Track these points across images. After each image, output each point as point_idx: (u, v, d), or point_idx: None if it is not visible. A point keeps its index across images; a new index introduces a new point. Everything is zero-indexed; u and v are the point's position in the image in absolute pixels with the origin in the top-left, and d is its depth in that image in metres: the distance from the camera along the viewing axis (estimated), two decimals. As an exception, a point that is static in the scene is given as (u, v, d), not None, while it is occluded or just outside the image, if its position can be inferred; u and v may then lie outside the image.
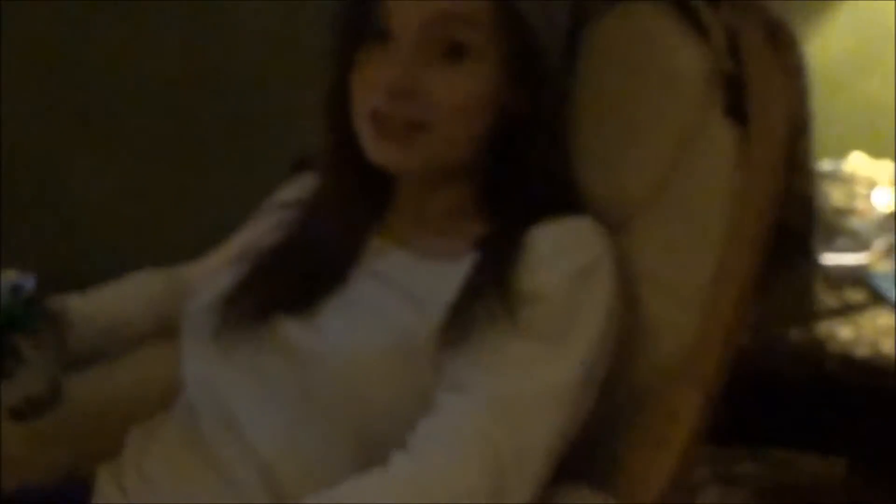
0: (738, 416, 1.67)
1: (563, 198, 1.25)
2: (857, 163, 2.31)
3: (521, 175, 1.24)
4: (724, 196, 1.22)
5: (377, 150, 1.22)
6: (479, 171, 1.27)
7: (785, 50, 1.23)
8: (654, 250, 1.25)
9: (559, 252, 1.17)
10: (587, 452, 1.22)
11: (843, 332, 2.15)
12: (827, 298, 2.16)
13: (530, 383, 1.11)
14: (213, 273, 1.38)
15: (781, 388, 2.14)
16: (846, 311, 2.17)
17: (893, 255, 2.14)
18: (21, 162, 2.48)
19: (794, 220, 1.21)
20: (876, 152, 2.33)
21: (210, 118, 2.48)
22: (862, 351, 2.11)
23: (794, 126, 1.21)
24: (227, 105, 2.47)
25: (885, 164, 2.30)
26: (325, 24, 1.29)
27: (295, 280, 1.27)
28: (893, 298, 2.14)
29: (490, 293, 1.14)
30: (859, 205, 2.15)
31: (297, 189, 1.41)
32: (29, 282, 1.20)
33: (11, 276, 1.21)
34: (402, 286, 1.21)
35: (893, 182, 2.22)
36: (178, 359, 1.34)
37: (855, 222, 2.16)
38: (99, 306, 1.42)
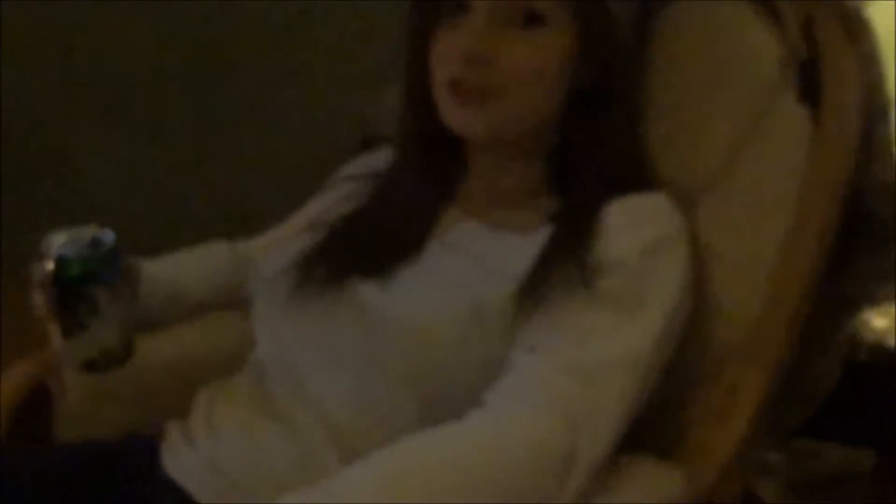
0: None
1: (636, 176, 1.27)
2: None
3: (593, 151, 1.26)
4: (793, 178, 1.24)
5: (454, 116, 1.24)
6: (551, 145, 1.29)
7: (859, 37, 1.24)
8: (721, 229, 1.26)
9: (635, 224, 1.19)
10: (652, 424, 1.24)
11: (876, 322, 2.16)
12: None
13: (604, 349, 1.12)
14: (286, 241, 1.39)
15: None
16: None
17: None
18: (29, 137, 2.48)
19: (875, 206, 1.22)
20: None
21: (223, 93, 2.48)
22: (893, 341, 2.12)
23: (868, 112, 1.22)
24: (240, 79, 2.47)
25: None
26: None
27: (370, 246, 1.29)
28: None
29: (566, 263, 1.16)
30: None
31: (365, 164, 1.43)
32: (108, 235, 1.21)
33: (92, 230, 1.23)
34: (475, 256, 1.23)
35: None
36: (245, 326, 1.37)
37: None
38: (163, 273, 1.44)
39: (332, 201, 1.39)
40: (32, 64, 2.46)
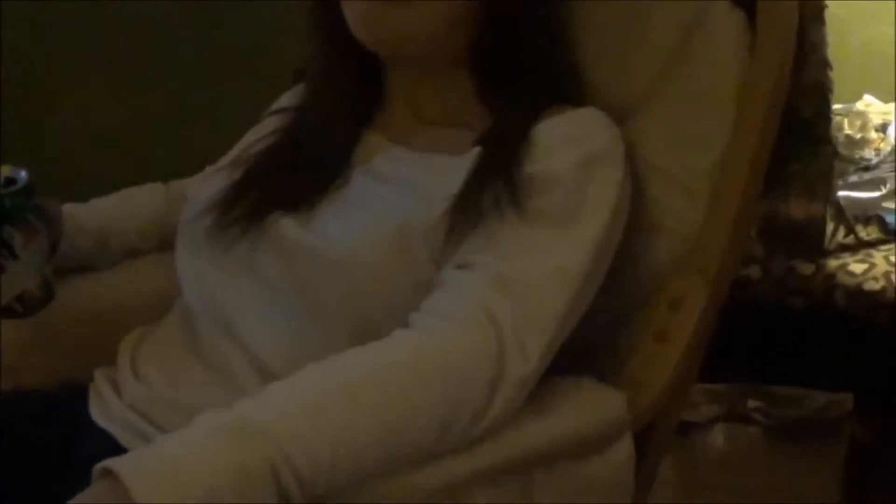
0: (746, 352, 1.64)
1: (566, 90, 1.21)
2: (870, 103, 2.27)
3: (517, 64, 1.20)
4: (729, 85, 1.18)
5: (360, 22, 1.17)
6: (472, 59, 1.22)
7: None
8: (659, 142, 1.21)
9: (567, 140, 1.13)
10: (592, 347, 1.20)
11: (855, 267, 2.12)
12: (839, 234, 2.12)
13: (535, 264, 1.07)
14: (207, 180, 1.34)
15: (789, 323, 2.11)
16: (858, 246, 2.14)
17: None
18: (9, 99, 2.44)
19: (806, 108, 1.17)
20: (886, 97, 2.30)
21: (205, 52, 2.43)
22: (872, 285, 2.08)
23: (804, 13, 1.16)
24: (221, 38, 2.42)
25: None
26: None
27: (290, 179, 1.23)
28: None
29: (496, 183, 1.10)
30: (872, 136, 2.11)
31: (294, 97, 1.37)
32: (22, 174, 1.16)
33: (5, 169, 1.17)
34: (402, 181, 1.17)
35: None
36: (175, 270, 1.31)
37: (868, 153, 2.13)
38: (93, 216, 1.40)
39: (255, 136, 1.33)
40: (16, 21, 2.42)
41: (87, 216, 1.37)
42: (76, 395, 1.26)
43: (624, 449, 1.11)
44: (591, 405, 1.11)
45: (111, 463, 0.86)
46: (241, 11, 2.43)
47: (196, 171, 1.48)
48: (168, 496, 0.83)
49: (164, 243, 1.42)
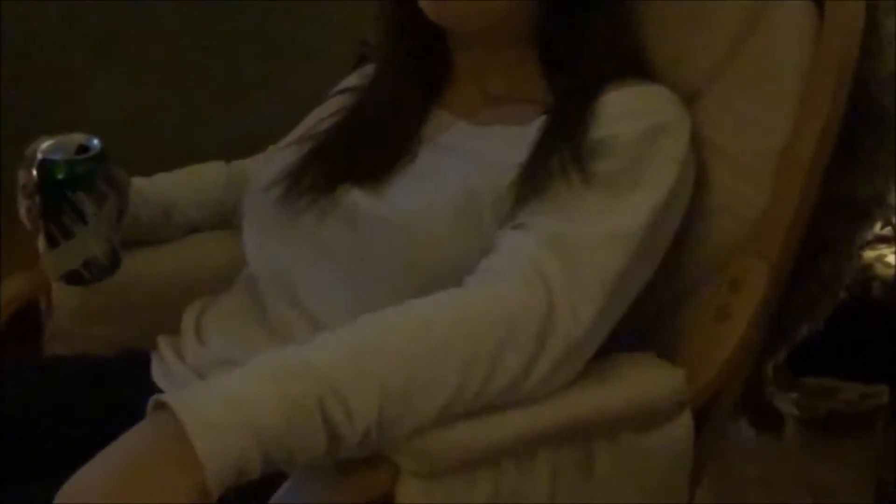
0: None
1: (633, 66, 1.21)
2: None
3: (581, 41, 1.20)
4: (796, 70, 1.18)
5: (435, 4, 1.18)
6: (537, 36, 1.22)
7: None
8: (723, 124, 1.21)
9: (633, 111, 1.13)
10: (654, 325, 1.20)
11: (892, 258, 2.11)
12: (876, 224, 2.12)
13: (590, 226, 1.06)
14: (275, 155, 1.35)
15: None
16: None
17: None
18: (35, 83, 2.45)
19: (887, 98, 1.16)
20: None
21: (225, 22, 2.43)
22: (911, 276, 2.07)
23: (876, 3, 1.16)
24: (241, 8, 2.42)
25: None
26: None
27: (358, 153, 1.24)
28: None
29: (562, 151, 1.10)
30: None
31: (360, 77, 1.38)
32: (95, 142, 1.17)
33: (79, 136, 1.18)
34: (469, 153, 1.18)
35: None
36: (238, 245, 1.32)
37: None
38: (157, 190, 1.40)
39: (322, 115, 1.34)
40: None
41: (152, 190, 1.38)
42: (138, 361, 1.27)
43: (684, 425, 1.11)
44: (652, 379, 1.11)
45: (165, 396, 0.87)
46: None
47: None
48: (217, 429, 0.84)
49: (225, 221, 1.44)
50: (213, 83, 2.47)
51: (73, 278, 1.19)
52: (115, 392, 1.23)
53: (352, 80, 1.40)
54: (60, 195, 1.14)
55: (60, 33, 2.46)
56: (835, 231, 1.23)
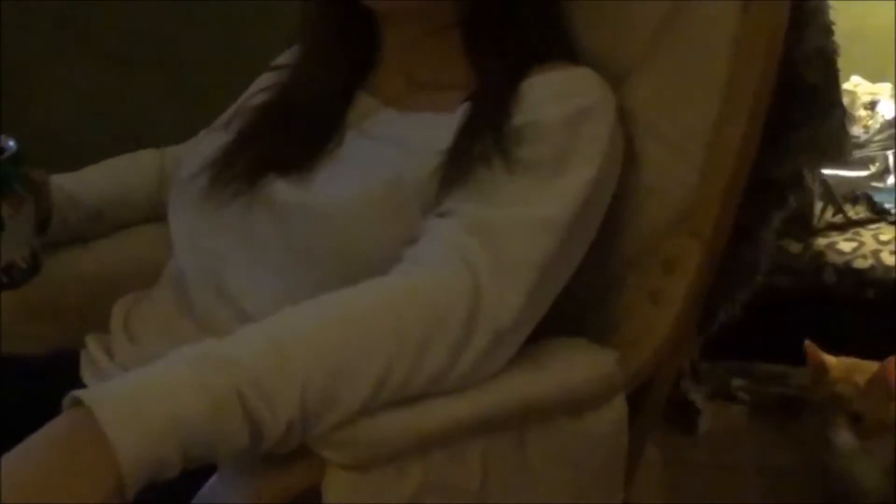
0: (732, 331, 1.63)
1: (557, 49, 1.20)
2: (858, 83, 2.27)
3: (509, 25, 1.18)
4: (724, 47, 1.16)
5: None
6: (465, 20, 1.21)
7: None
8: (654, 104, 1.19)
9: (556, 95, 1.11)
10: (587, 309, 1.19)
11: (843, 245, 2.12)
12: (827, 213, 2.13)
13: (514, 212, 1.05)
14: (203, 139, 1.33)
15: (777, 302, 2.11)
16: (847, 225, 2.15)
17: (894, 170, 2.11)
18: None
19: (811, 74, 1.15)
20: (873, 78, 2.30)
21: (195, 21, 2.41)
22: (861, 263, 2.08)
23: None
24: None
25: (885, 86, 2.27)
26: None
27: (284, 141, 1.22)
28: (894, 213, 2.11)
29: (485, 137, 1.08)
30: (861, 113, 2.11)
31: (292, 54, 1.35)
32: (10, 144, 1.14)
33: None
34: (394, 140, 1.16)
35: (894, 97, 2.19)
36: (167, 238, 1.29)
37: (857, 131, 2.13)
38: (87, 191, 1.37)
39: (251, 96, 1.32)
40: None
41: (81, 191, 1.35)
42: (68, 360, 1.24)
43: (617, 408, 1.09)
44: (584, 362, 1.09)
45: (79, 392, 0.84)
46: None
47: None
48: (132, 420, 0.82)
49: (157, 215, 1.41)
50: (167, 71, 2.44)
51: None
52: (45, 392, 1.19)
53: (283, 58, 1.37)
54: None
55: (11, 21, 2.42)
56: (750, 215, 1.22)
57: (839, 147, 1.18)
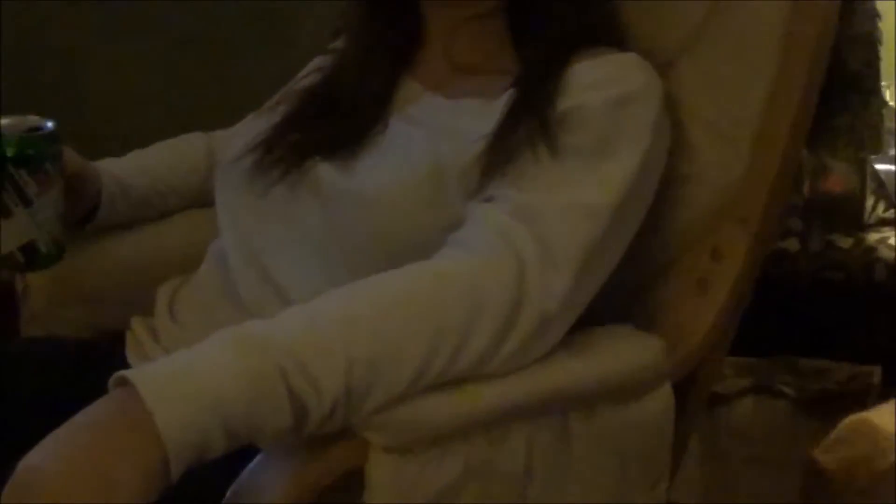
0: (783, 326, 1.61)
1: (603, 35, 1.18)
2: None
3: (551, 9, 1.17)
4: (773, 33, 1.14)
5: None
6: (508, 2, 1.20)
7: None
8: (701, 90, 1.18)
9: (601, 80, 1.10)
10: (634, 297, 1.17)
11: (895, 240, 2.09)
12: (879, 208, 2.09)
13: (562, 198, 1.03)
14: (248, 123, 1.32)
15: (827, 297, 2.08)
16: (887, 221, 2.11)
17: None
18: (40, 53, 2.42)
19: (854, 60, 1.13)
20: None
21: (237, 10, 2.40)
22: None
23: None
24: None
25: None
26: None
27: (329, 125, 1.21)
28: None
29: (530, 122, 1.07)
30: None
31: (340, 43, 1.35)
32: (49, 124, 1.13)
33: (35, 118, 1.15)
34: (437, 126, 1.15)
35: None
36: (211, 223, 1.29)
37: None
38: (136, 181, 1.38)
39: (296, 85, 1.31)
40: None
41: (131, 177, 1.36)
42: (112, 342, 1.24)
43: (663, 397, 1.08)
44: (629, 350, 1.08)
45: (126, 372, 0.84)
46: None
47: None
48: (177, 400, 0.81)
49: (206, 200, 1.40)
50: (215, 66, 2.44)
51: (9, 262, 1.13)
52: (90, 373, 1.19)
53: (337, 43, 1.37)
54: (3, 170, 1.09)
55: (62, 12, 2.43)
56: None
57: (877, 136, 1.16)
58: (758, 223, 1.12)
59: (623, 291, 1.12)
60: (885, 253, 2.06)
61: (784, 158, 1.12)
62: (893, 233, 2.08)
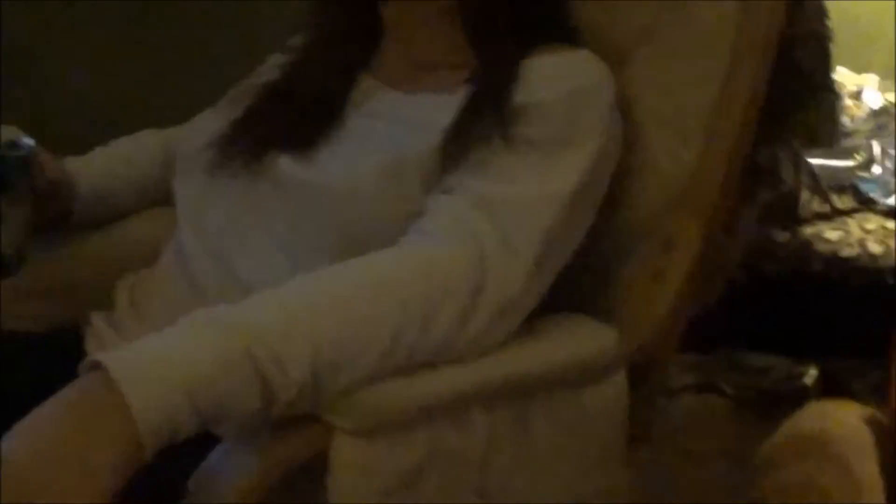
0: (720, 320, 1.64)
1: (558, 33, 1.20)
2: (843, 74, 2.28)
3: (508, 6, 1.19)
4: (723, 31, 1.17)
5: None
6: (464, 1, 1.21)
7: None
8: (654, 84, 1.20)
9: (557, 76, 1.12)
10: (589, 287, 1.18)
11: (830, 235, 2.13)
12: (813, 202, 2.13)
13: (518, 188, 1.06)
14: (207, 116, 1.32)
15: (763, 291, 2.12)
16: (833, 214, 2.16)
17: (879, 160, 2.12)
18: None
19: (805, 58, 1.16)
20: (858, 68, 2.31)
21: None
22: (848, 252, 2.09)
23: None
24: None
25: (870, 76, 2.29)
26: None
27: (289, 118, 1.22)
28: (880, 202, 2.13)
29: (488, 115, 1.09)
30: (847, 103, 2.12)
31: (299, 40, 1.36)
32: (27, 143, 1.13)
33: (11, 131, 1.15)
34: (397, 119, 1.16)
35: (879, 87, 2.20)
36: (170, 218, 1.29)
37: (844, 119, 2.13)
38: (93, 182, 1.36)
39: (259, 75, 1.32)
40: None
41: (88, 182, 1.34)
42: (70, 336, 1.24)
43: (618, 383, 1.10)
44: (586, 338, 1.10)
45: (98, 355, 0.85)
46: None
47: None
48: (148, 382, 0.83)
49: (164, 198, 1.39)
50: (178, 55, 2.42)
51: None
52: (49, 366, 1.19)
53: (295, 40, 1.37)
54: None
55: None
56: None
57: (830, 130, 1.19)
58: (709, 214, 1.15)
59: (579, 280, 1.14)
60: (821, 247, 2.10)
61: (734, 152, 1.15)
62: (827, 227, 2.13)
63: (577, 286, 1.14)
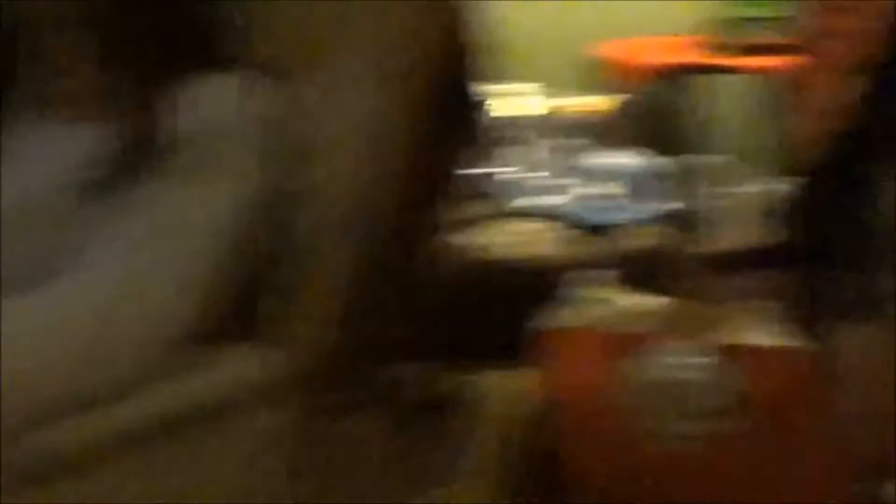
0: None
1: (204, 53, 1.16)
2: (506, 84, 2.34)
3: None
4: (397, 40, 1.16)
5: None
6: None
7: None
8: (322, 101, 1.16)
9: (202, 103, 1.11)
10: (247, 313, 1.13)
11: (472, 240, 2.17)
12: (458, 208, 2.17)
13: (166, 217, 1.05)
14: None
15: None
16: (476, 220, 2.20)
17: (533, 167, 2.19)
18: None
19: (460, 66, 1.17)
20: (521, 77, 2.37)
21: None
22: (490, 256, 2.14)
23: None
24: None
25: (532, 86, 2.35)
26: None
27: None
28: (524, 206, 2.20)
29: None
30: (507, 110, 2.16)
31: None
32: None
33: None
34: None
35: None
36: None
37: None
38: None
39: None
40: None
41: None
42: None
43: (264, 414, 1.08)
44: (225, 367, 1.08)
45: None
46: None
47: None
48: None
49: None
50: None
51: None
52: None
53: None
54: None
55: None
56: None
57: (484, 141, 1.21)
58: (380, 233, 1.13)
59: (235, 305, 1.11)
60: (463, 252, 2.14)
61: (405, 167, 1.14)
62: (469, 232, 2.17)
63: (232, 310, 1.10)
